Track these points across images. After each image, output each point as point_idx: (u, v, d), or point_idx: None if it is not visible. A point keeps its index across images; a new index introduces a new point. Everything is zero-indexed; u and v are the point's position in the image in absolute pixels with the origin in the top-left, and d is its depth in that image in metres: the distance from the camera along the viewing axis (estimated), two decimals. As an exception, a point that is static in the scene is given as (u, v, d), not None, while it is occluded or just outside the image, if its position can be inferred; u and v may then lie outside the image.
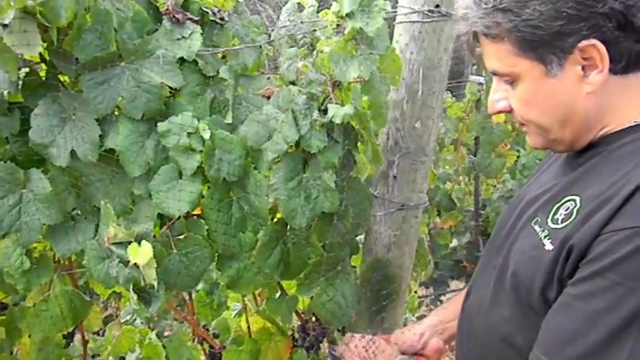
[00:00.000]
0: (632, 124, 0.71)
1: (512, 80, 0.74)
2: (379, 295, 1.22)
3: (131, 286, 0.90)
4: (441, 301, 3.62)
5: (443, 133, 3.30)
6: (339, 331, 1.35)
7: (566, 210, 0.70)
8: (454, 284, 3.67)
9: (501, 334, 0.78)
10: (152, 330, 1.81)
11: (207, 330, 1.39)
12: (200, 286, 1.63)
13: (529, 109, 0.75)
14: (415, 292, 2.28)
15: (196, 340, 1.28)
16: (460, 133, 3.28)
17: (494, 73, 0.76)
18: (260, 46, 1.12)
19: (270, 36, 1.16)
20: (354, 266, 1.36)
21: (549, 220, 0.72)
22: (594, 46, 0.67)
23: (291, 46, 1.24)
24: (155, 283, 0.88)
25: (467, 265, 3.46)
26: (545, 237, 0.71)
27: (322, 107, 0.95)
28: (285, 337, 1.25)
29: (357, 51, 0.97)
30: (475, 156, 3.27)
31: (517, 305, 0.75)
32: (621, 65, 0.69)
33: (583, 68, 0.69)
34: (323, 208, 0.99)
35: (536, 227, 0.74)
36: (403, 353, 1.06)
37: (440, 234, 3.20)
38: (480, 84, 3.11)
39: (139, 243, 0.88)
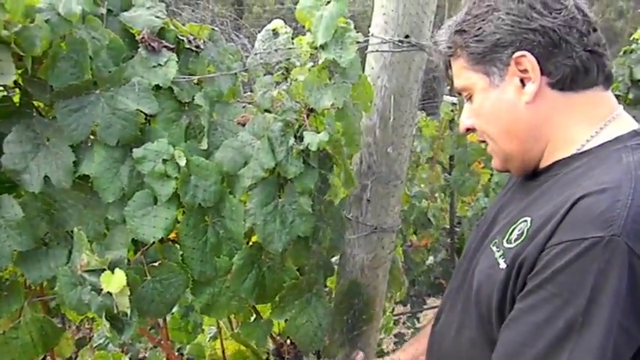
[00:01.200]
0: (582, 149, 0.77)
1: (469, 95, 0.85)
2: (353, 317, 1.23)
3: (104, 314, 0.90)
4: (418, 319, 3.65)
5: (418, 152, 3.36)
6: (313, 354, 1.35)
7: (519, 231, 0.75)
8: (431, 301, 3.71)
9: (468, 356, 0.81)
10: (126, 354, 1.78)
11: (182, 354, 1.37)
12: (175, 309, 1.62)
13: (480, 120, 0.84)
14: (391, 311, 2.29)
15: (171, 364, 1.27)
16: (435, 152, 3.35)
17: (459, 92, 0.86)
18: (235, 73, 1.14)
19: (245, 64, 1.18)
20: (329, 287, 1.38)
21: (504, 241, 0.77)
22: (525, 57, 0.76)
23: (267, 73, 1.26)
24: (128, 311, 0.87)
25: (443, 282, 3.50)
26: (499, 256, 0.76)
27: (298, 134, 0.97)
28: (259, 359, 1.25)
29: (330, 79, 0.99)
30: (450, 174, 3.33)
31: (481, 326, 0.78)
32: (559, 79, 0.76)
33: (522, 81, 0.78)
34: (299, 232, 1.01)
35: (494, 248, 0.79)
36: None
37: (416, 252, 3.24)
38: (454, 104, 3.19)
39: (113, 271, 0.88)
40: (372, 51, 1.11)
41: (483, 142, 0.86)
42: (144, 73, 1.01)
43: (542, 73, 0.76)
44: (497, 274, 0.74)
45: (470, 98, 0.84)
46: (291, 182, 0.99)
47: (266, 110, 1.04)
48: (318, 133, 1.02)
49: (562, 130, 0.78)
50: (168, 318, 1.43)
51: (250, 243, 1.05)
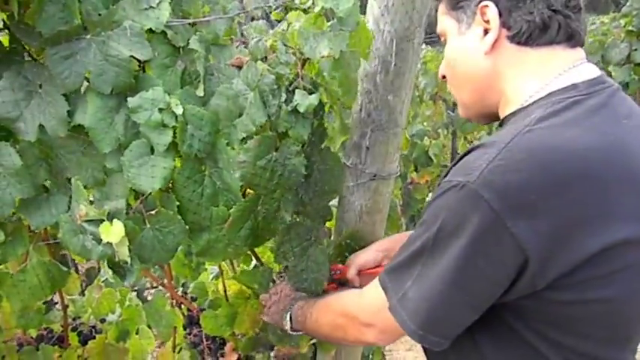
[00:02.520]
0: (524, 104, 0.79)
1: (445, 41, 0.89)
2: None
3: (105, 262, 0.92)
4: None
5: (422, 88, 3.30)
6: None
7: None
8: (429, 236, 3.78)
9: None
10: (132, 289, 1.85)
11: (186, 293, 1.43)
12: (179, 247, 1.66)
13: (446, 66, 0.90)
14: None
15: (174, 303, 1.32)
16: (439, 88, 3.28)
17: (439, 37, 0.91)
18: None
19: (242, 3, 1.13)
20: (329, 228, 1.40)
21: None
22: (488, 7, 0.80)
23: (264, 14, 1.22)
24: (128, 260, 0.90)
25: (442, 218, 3.55)
26: None
27: (291, 88, 0.94)
28: (260, 300, 1.30)
29: (326, 25, 0.95)
30: (453, 112, 3.29)
31: None
32: (516, 33, 0.79)
33: (485, 31, 0.81)
34: (285, 185, 1.01)
35: None
36: (360, 271, 1.17)
37: (416, 188, 3.27)
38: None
39: (111, 221, 0.89)
40: (374, -8, 1.06)
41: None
42: (135, 16, 0.97)
43: (504, 25, 0.80)
44: None
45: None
46: (286, 136, 0.97)
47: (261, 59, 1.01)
48: (314, 81, 1.00)
49: (513, 83, 0.81)
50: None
51: (247, 197, 1.05)
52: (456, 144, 3.17)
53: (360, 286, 1.16)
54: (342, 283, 1.19)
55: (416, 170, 3.17)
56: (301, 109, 0.92)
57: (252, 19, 1.21)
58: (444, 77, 0.92)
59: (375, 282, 0.86)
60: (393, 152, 1.19)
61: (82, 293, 1.69)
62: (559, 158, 0.68)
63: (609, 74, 3.31)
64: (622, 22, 2.94)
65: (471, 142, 3.34)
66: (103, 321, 1.38)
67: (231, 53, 1.09)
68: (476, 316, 0.76)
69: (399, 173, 1.23)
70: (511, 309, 0.76)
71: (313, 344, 1.31)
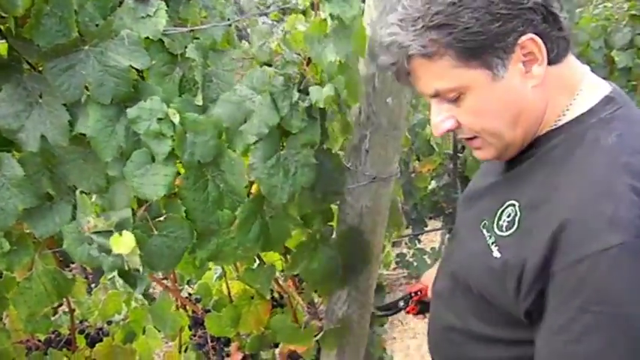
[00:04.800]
0: (559, 122, 0.75)
1: (457, 95, 0.74)
2: (353, 260, 1.27)
3: (116, 272, 0.94)
4: (419, 240, 3.77)
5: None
6: (315, 292, 1.42)
7: (508, 216, 0.75)
8: (431, 223, 3.80)
9: (460, 321, 0.84)
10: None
11: (190, 295, 1.44)
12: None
13: (481, 119, 0.75)
14: (392, 245, 2.36)
15: (179, 304, 1.34)
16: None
17: (436, 94, 0.75)
18: (228, 19, 1.09)
19: (239, 7, 1.13)
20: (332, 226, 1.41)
21: (495, 227, 0.76)
22: (532, 39, 0.70)
23: (262, 14, 1.21)
24: (141, 268, 0.91)
25: (444, 205, 3.55)
26: (492, 244, 0.75)
27: (301, 87, 0.94)
28: (264, 299, 1.31)
29: (328, 28, 0.95)
30: (454, 99, 3.26)
31: (472, 296, 0.80)
32: (555, 54, 0.73)
33: (524, 64, 0.72)
34: (302, 182, 1.02)
35: (485, 231, 0.78)
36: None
37: (418, 177, 3.27)
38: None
39: (120, 232, 0.90)
40: (371, -5, 1.05)
41: (470, 139, 0.78)
42: (132, 25, 0.96)
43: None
44: (490, 262, 0.74)
45: (457, 98, 0.74)
46: (293, 135, 0.98)
47: (265, 63, 1.01)
48: (319, 83, 1.00)
49: (553, 103, 0.75)
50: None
51: (251, 196, 1.06)
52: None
53: None
54: (422, 303, 1.15)
55: (418, 159, 3.16)
56: (320, 104, 0.92)
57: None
58: (474, 137, 0.78)
59: None
60: (393, 154, 1.19)
61: (90, 291, 1.71)
62: None
63: (612, 59, 3.28)
64: (625, 6, 2.91)
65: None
66: (109, 323, 1.40)
67: (230, 58, 1.09)
68: None
69: (398, 175, 1.24)
70: None
71: (316, 341, 1.33)
